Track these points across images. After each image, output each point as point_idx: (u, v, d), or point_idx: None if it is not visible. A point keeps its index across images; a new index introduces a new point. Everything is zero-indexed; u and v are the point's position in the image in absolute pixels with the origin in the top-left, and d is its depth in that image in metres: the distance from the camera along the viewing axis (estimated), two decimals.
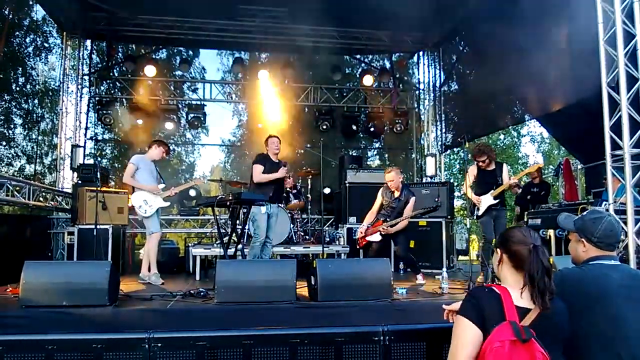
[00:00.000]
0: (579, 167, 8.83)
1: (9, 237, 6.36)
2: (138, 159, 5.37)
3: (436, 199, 7.18)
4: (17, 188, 6.89)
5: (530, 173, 8.47)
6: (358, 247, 5.86)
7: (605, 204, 4.89)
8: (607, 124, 4.69)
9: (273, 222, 5.54)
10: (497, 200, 5.34)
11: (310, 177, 7.80)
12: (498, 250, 1.92)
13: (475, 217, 5.46)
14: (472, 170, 5.56)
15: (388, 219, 5.47)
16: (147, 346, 2.37)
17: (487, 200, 5.34)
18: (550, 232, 6.09)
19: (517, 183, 5.58)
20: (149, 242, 5.40)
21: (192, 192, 9.76)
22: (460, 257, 9.55)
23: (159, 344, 2.38)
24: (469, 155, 5.93)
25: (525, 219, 6.79)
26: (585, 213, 2.13)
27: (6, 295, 4.37)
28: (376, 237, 5.46)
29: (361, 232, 5.60)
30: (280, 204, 5.88)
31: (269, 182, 5.40)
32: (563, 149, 15.35)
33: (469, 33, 9.09)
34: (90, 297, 3.60)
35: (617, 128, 4.65)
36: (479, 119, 8.88)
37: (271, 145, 5.54)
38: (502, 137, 20.95)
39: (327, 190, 9.78)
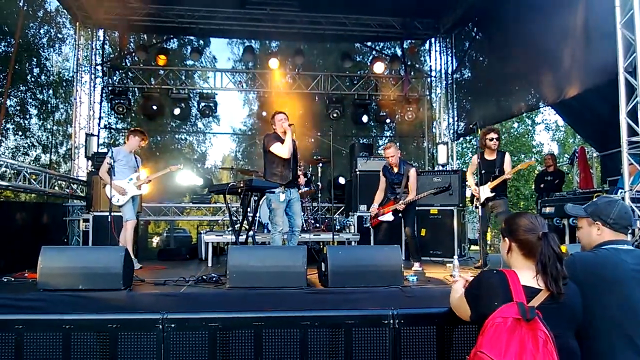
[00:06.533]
0: (595, 154, 8.68)
1: (26, 224, 6.50)
2: (115, 152, 5.43)
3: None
4: (34, 176, 7.02)
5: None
6: (370, 226, 6.08)
7: (621, 192, 4.82)
8: (623, 110, 4.61)
9: (298, 208, 5.22)
10: (494, 193, 5.30)
11: (321, 165, 7.78)
12: (506, 239, 1.92)
13: (474, 207, 5.51)
14: (474, 160, 5.52)
15: (397, 197, 5.50)
16: (161, 327, 2.42)
17: (484, 192, 5.32)
18: (565, 220, 6.04)
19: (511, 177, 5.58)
20: (124, 230, 5.48)
21: (200, 181, 9.97)
22: (473, 247, 9.45)
23: (173, 325, 2.43)
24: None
25: (539, 207, 6.73)
26: (595, 199, 2.13)
27: (24, 279, 4.49)
28: (388, 217, 5.53)
29: (372, 212, 5.73)
30: (298, 188, 5.39)
31: (287, 165, 5.04)
32: (578, 137, 15.08)
33: (481, 19, 8.92)
34: (105, 281, 3.69)
35: (633, 114, 4.56)
36: (492, 106, 8.74)
37: (278, 124, 5.08)
38: (515, 125, 20.66)
39: (342, 180, 9.77)
